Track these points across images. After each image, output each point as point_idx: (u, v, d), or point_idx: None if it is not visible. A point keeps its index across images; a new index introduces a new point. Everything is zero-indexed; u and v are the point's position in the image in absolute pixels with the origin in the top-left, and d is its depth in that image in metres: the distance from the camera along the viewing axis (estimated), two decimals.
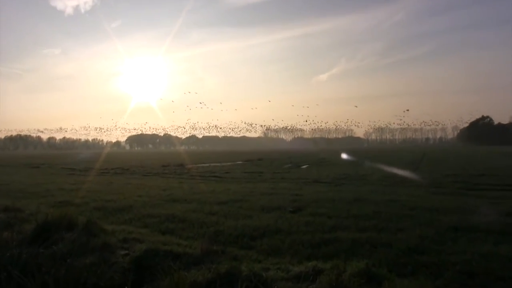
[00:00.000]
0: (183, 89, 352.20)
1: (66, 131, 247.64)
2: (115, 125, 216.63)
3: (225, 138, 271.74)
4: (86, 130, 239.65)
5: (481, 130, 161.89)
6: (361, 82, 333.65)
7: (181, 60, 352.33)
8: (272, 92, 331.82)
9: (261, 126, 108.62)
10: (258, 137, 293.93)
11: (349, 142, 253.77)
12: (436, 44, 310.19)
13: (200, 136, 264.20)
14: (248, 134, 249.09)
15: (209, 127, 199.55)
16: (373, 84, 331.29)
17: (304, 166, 34.61)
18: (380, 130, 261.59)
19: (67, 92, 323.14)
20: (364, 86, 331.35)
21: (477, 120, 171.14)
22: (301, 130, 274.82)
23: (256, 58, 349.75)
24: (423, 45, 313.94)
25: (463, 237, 7.64)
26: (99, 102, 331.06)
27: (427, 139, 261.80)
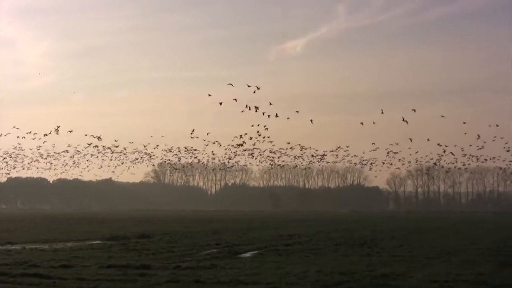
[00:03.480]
0: None
1: None
2: None
3: (64, 183, 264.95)
4: None
5: None
6: (375, 60, 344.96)
7: None
8: (176, 79, 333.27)
9: (149, 155, 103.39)
10: (141, 183, 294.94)
11: (354, 197, 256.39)
12: None
13: (4, 179, 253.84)
14: (118, 176, 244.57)
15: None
16: (401, 65, 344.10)
17: (247, 254, 34.90)
18: (424, 173, 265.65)
19: None
20: (383, 69, 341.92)
21: None
22: (244, 169, 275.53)
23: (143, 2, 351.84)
24: None
25: None
26: None
27: None
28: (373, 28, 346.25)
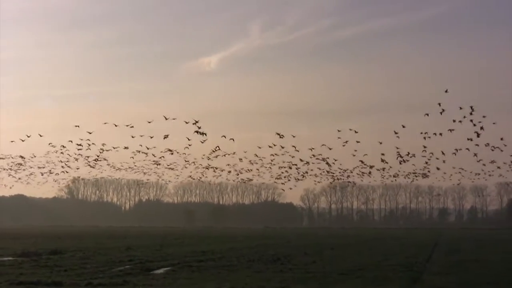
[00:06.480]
0: None
1: None
2: None
3: None
4: None
5: None
6: (287, 77, 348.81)
7: None
8: (85, 95, 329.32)
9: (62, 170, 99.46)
10: (54, 199, 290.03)
11: (268, 213, 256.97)
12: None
13: None
14: (29, 191, 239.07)
15: None
16: (313, 84, 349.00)
17: (160, 270, 34.59)
18: (336, 189, 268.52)
19: None
20: (295, 87, 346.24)
21: None
22: (160, 184, 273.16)
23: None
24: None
25: None
26: None
27: (443, 212, 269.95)
28: (285, 46, 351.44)
